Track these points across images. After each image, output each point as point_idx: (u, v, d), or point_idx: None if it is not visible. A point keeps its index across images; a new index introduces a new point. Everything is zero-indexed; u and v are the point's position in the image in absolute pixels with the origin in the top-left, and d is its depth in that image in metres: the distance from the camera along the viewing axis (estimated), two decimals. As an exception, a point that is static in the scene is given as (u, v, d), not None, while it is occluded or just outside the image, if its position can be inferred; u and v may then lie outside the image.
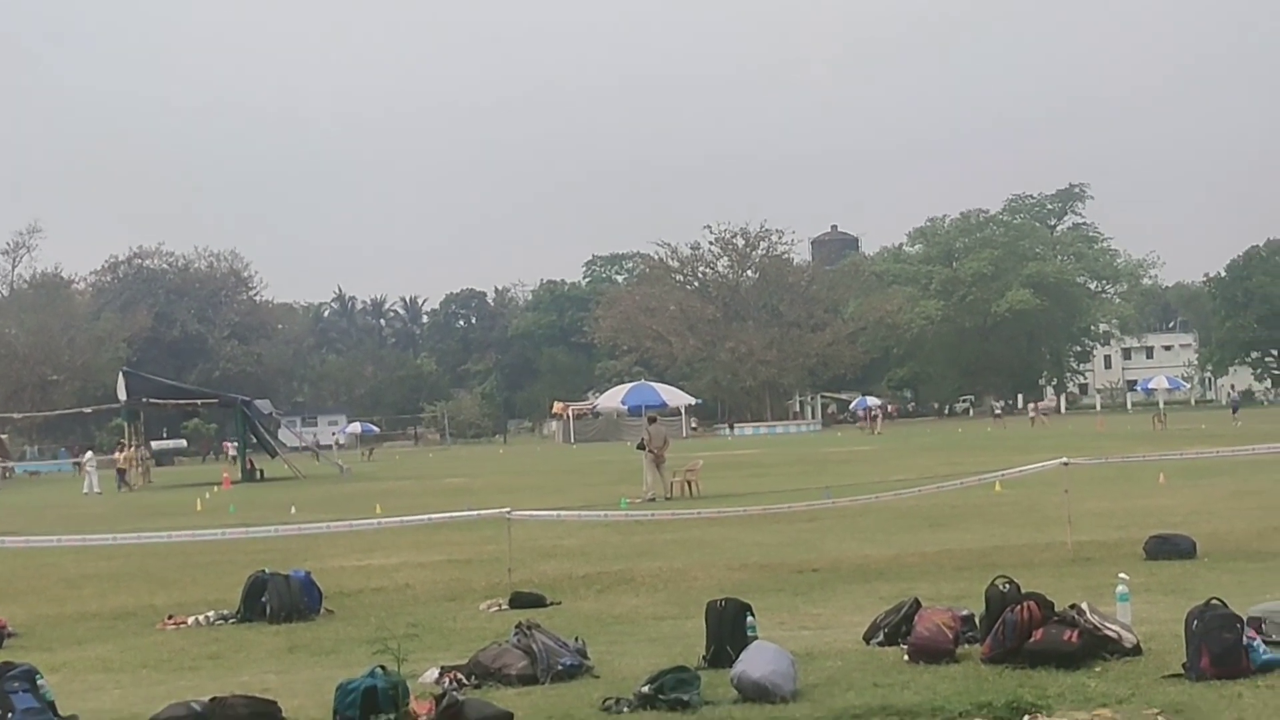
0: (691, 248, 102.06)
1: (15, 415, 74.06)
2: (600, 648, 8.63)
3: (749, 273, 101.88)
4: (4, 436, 73.06)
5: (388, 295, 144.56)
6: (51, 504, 36.39)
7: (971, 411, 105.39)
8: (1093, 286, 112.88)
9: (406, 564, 15.58)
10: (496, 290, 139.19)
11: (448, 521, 16.18)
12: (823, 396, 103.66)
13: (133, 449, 46.48)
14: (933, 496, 17.59)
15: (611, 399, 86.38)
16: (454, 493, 31.18)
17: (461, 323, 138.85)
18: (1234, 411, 63.37)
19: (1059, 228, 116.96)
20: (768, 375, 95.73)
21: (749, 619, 8.02)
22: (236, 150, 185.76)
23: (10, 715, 7.33)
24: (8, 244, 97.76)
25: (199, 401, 56.08)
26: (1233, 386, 76.88)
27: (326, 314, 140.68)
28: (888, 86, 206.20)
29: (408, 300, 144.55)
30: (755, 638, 7.73)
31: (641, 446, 26.11)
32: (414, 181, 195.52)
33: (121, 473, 45.08)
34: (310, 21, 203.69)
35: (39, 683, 7.70)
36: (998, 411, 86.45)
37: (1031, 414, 77.05)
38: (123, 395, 47.87)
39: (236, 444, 59.10)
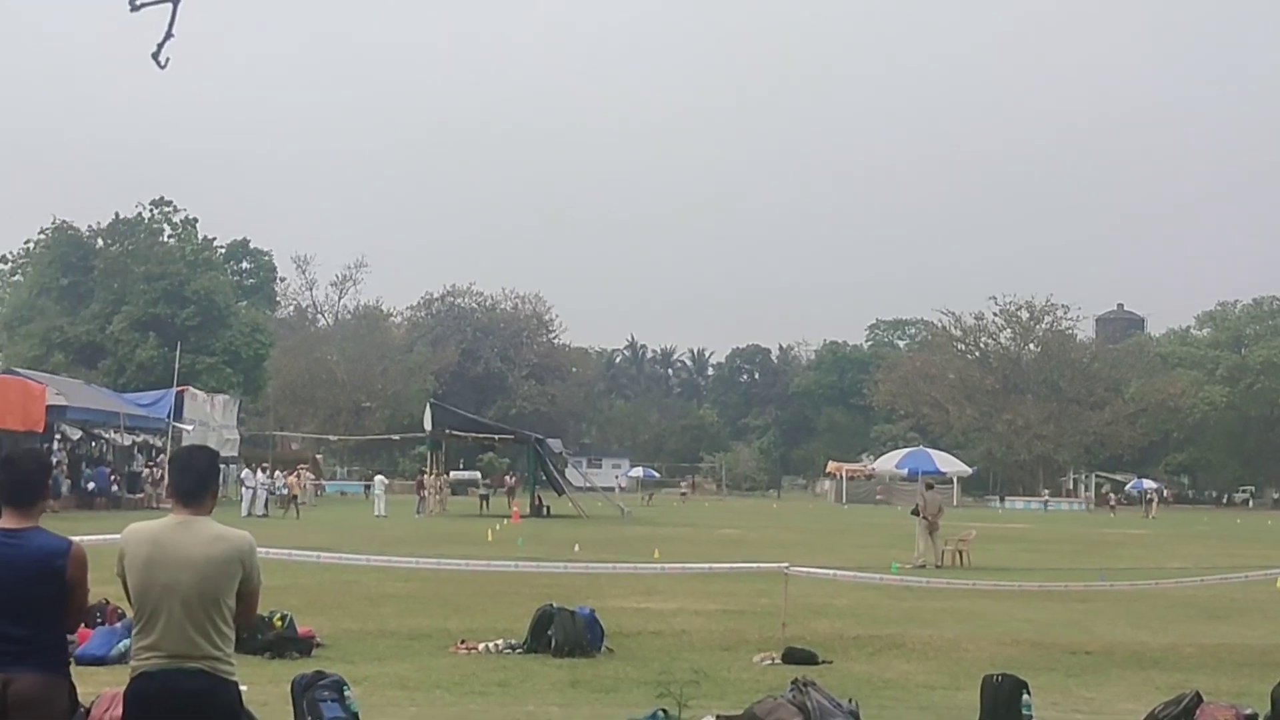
0: (975, 318, 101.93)
1: (331, 437, 79.73)
2: (871, 711, 8.78)
3: (1031, 346, 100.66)
4: (319, 456, 78.88)
5: (677, 346, 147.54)
6: (354, 524, 38.52)
7: (1251, 503, 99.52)
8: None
9: (684, 610, 15.94)
10: (780, 347, 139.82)
11: (725, 572, 16.59)
12: (1097, 475, 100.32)
13: (433, 477, 48.79)
14: (1210, 587, 17.08)
15: (887, 462, 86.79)
16: (729, 543, 31.67)
17: (745, 377, 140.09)
18: None
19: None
20: (1043, 450, 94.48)
21: (1024, 697, 8.08)
22: (544, 199, 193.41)
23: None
24: (336, 276, 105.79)
25: (496, 436, 58.20)
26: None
27: (618, 360, 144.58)
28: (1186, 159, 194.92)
29: (695, 352, 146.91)
30: (1030, 716, 7.79)
31: (916, 512, 26.31)
32: (708, 241, 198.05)
33: (421, 499, 47.74)
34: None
35: (345, 694, 8.25)
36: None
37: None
38: (428, 425, 49.82)
39: (486, 483, 61.25)
